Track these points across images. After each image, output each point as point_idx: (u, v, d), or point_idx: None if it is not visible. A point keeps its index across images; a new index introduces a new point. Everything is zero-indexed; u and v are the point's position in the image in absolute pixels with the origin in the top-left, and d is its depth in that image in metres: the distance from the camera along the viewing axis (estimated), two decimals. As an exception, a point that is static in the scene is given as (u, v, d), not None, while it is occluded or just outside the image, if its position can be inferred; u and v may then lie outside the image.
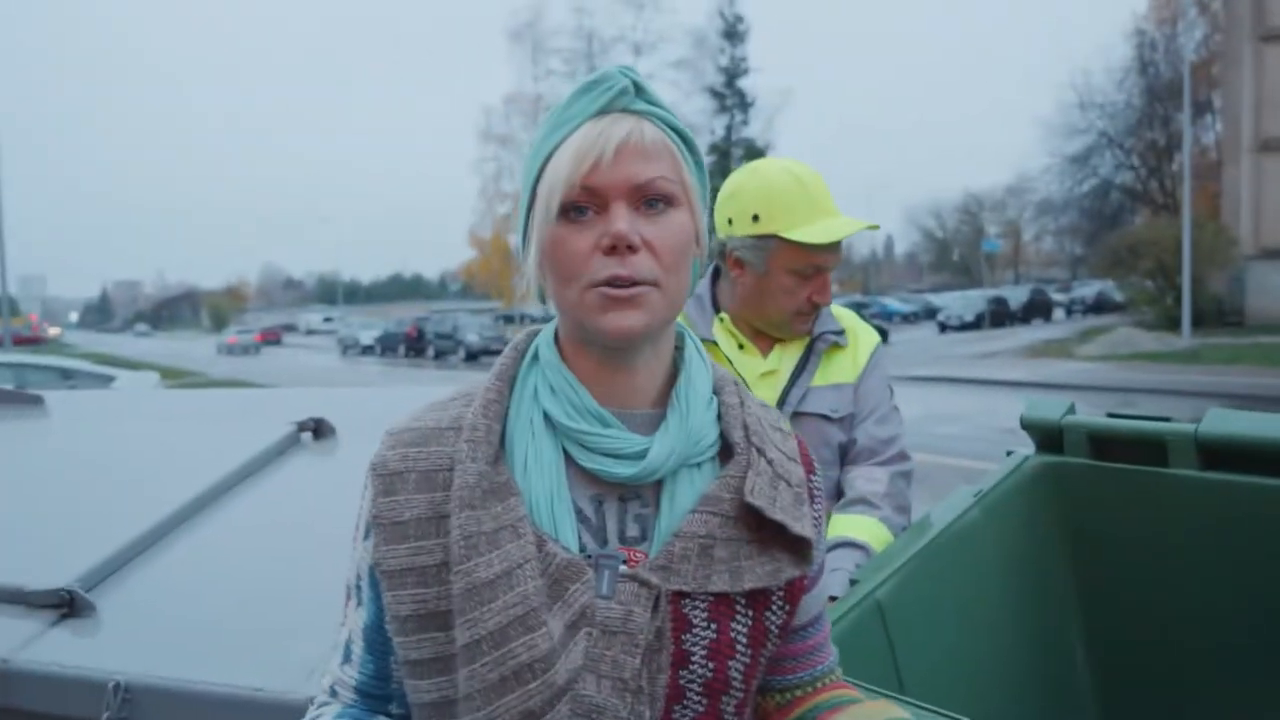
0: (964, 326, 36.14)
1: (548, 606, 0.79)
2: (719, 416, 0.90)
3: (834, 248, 1.80)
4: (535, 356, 0.91)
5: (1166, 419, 1.66)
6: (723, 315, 1.93)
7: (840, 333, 1.91)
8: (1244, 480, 1.56)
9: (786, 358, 1.89)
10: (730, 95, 45.74)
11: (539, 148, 0.86)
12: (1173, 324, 22.52)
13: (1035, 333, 31.85)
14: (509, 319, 56.35)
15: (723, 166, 41.44)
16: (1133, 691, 1.75)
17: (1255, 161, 24.47)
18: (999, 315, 37.11)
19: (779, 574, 0.86)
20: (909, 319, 46.35)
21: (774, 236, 1.76)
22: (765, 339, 1.93)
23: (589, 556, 0.82)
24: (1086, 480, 1.74)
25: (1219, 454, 1.59)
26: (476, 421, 0.85)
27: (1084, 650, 1.79)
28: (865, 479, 1.78)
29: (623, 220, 0.81)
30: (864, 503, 1.74)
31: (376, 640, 0.87)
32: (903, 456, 1.86)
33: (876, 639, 1.44)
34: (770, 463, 0.88)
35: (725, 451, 0.89)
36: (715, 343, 1.88)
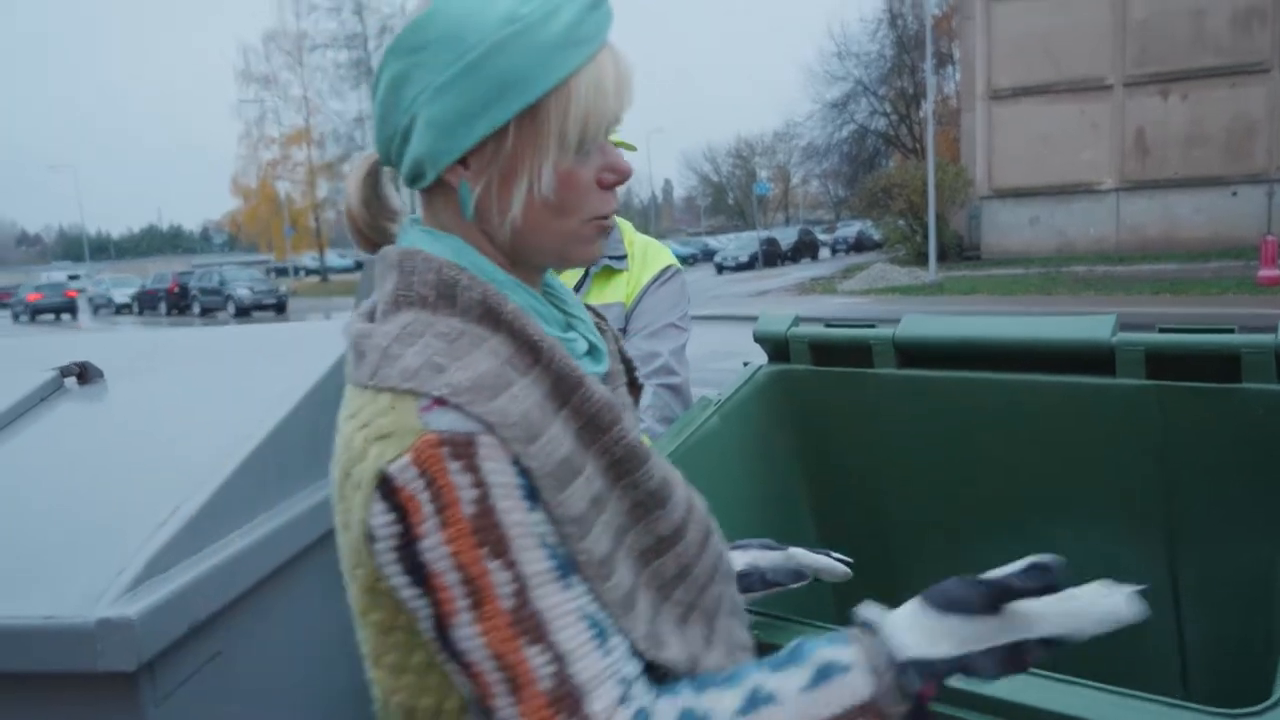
0: (740, 267, 37.74)
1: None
2: None
3: None
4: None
5: (872, 325, 1.93)
6: None
7: (620, 258, 2.06)
8: (934, 375, 1.84)
9: (572, 279, 2.03)
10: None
11: (537, 57, 0.77)
12: (921, 259, 24.53)
13: (804, 271, 33.73)
14: (281, 271, 53.41)
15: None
16: (856, 563, 2.06)
17: (987, 109, 26.88)
18: (771, 255, 39.00)
19: None
20: (688, 261, 47.80)
21: None
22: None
23: None
24: (809, 384, 1.96)
25: (914, 354, 1.86)
26: (548, 339, 0.83)
27: (815, 532, 2.07)
28: None
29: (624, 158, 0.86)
30: None
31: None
32: (667, 370, 1.96)
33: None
34: None
35: None
36: None
